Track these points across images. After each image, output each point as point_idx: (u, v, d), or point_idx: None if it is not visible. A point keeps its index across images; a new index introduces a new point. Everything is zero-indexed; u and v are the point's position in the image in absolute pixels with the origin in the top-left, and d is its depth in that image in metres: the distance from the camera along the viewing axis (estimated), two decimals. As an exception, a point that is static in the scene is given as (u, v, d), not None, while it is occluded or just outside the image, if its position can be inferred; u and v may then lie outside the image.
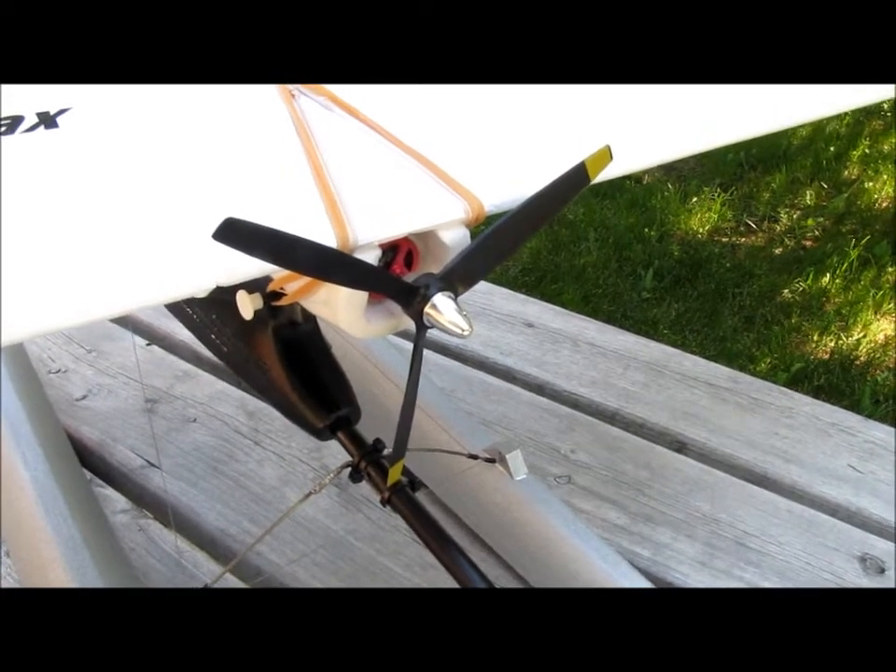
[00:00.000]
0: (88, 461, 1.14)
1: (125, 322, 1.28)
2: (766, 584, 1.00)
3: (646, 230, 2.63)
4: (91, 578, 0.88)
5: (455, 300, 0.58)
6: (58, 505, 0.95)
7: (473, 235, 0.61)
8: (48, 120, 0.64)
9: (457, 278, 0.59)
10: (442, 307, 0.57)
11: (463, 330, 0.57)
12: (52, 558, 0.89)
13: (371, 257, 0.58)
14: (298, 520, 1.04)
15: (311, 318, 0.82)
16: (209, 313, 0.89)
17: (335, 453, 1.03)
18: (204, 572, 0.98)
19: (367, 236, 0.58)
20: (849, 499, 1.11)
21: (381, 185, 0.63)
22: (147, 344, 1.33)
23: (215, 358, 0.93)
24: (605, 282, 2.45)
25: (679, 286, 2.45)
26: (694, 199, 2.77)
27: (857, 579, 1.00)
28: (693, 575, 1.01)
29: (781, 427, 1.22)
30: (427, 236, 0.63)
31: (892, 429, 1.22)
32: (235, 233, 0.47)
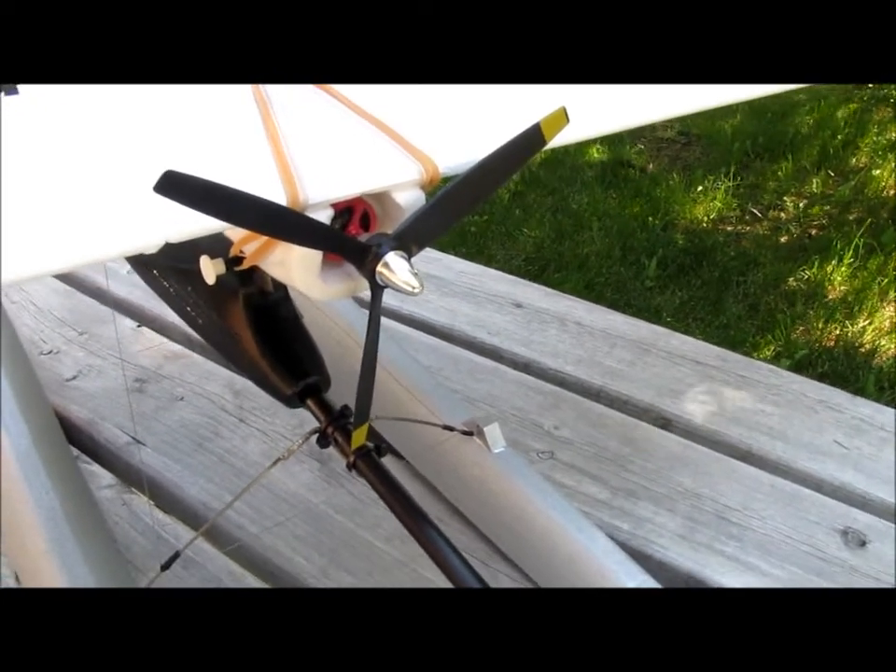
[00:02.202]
0: (76, 439, 1.15)
1: (112, 303, 1.30)
2: (747, 558, 1.00)
3: (650, 218, 2.63)
4: (69, 547, 0.90)
5: (408, 259, 0.58)
6: (40, 478, 0.96)
7: (429, 197, 0.62)
8: (8, 87, 0.65)
9: (411, 238, 0.59)
10: (395, 266, 0.57)
11: (414, 288, 0.57)
12: (32, 526, 0.91)
13: (323, 216, 0.59)
14: (279, 493, 1.05)
15: (282, 288, 0.83)
16: (184, 286, 0.90)
17: (319, 428, 1.04)
18: (184, 545, 0.99)
19: (318, 195, 0.58)
20: (833, 474, 1.10)
21: (335, 146, 0.64)
22: (138, 326, 1.34)
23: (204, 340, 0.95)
24: (608, 271, 2.45)
25: (682, 274, 2.44)
26: (699, 188, 2.76)
27: (837, 552, 1.00)
28: (672, 548, 1.01)
29: (768, 403, 1.21)
30: (384, 198, 0.63)
31: (880, 406, 1.21)
32: (175, 186, 0.48)
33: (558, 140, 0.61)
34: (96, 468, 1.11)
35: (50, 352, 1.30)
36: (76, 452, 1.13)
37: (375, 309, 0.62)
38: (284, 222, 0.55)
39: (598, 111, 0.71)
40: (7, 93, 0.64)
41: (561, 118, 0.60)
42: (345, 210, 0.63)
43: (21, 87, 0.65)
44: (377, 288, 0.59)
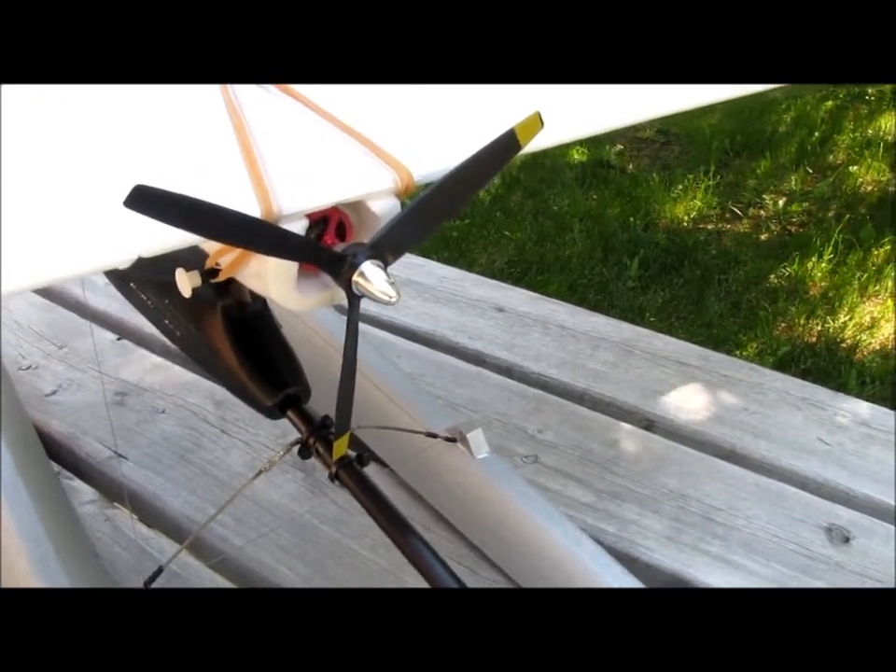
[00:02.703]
0: (57, 454, 1.14)
1: (90, 316, 1.29)
2: (733, 557, 1.00)
3: (631, 219, 2.63)
4: (53, 567, 0.89)
5: (384, 268, 0.58)
6: (20, 496, 0.96)
7: (405, 205, 0.62)
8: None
9: (386, 247, 0.59)
10: (371, 275, 0.57)
11: (390, 298, 0.57)
12: (15, 548, 0.90)
13: (298, 227, 0.58)
14: (262, 504, 1.04)
15: (260, 299, 0.83)
16: (162, 298, 0.89)
17: (302, 438, 1.04)
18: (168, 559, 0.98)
19: (292, 206, 0.58)
20: (817, 471, 1.11)
21: (309, 157, 0.63)
22: (118, 339, 1.33)
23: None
24: (591, 272, 2.45)
25: (664, 273, 2.44)
26: (679, 187, 2.77)
27: (822, 549, 1.00)
28: (658, 549, 1.01)
29: (751, 402, 1.22)
30: (359, 207, 0.63)
31: (862, 402, 1.22)
32: (145, 200, 0.47)
33: (533, 144, 0.61)
34: (77, 483, 1.10)
35: (30, 367, 1.29)
36: (56, 468, 1.12)
37: (353, 318, 0.62)
38: (258, 234, 0.55)
39: (573, 114, 0.71)
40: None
41: (535, 123, 0.60)
42: (320, 220, 0.63)
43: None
44: (354, 298, 0.59)
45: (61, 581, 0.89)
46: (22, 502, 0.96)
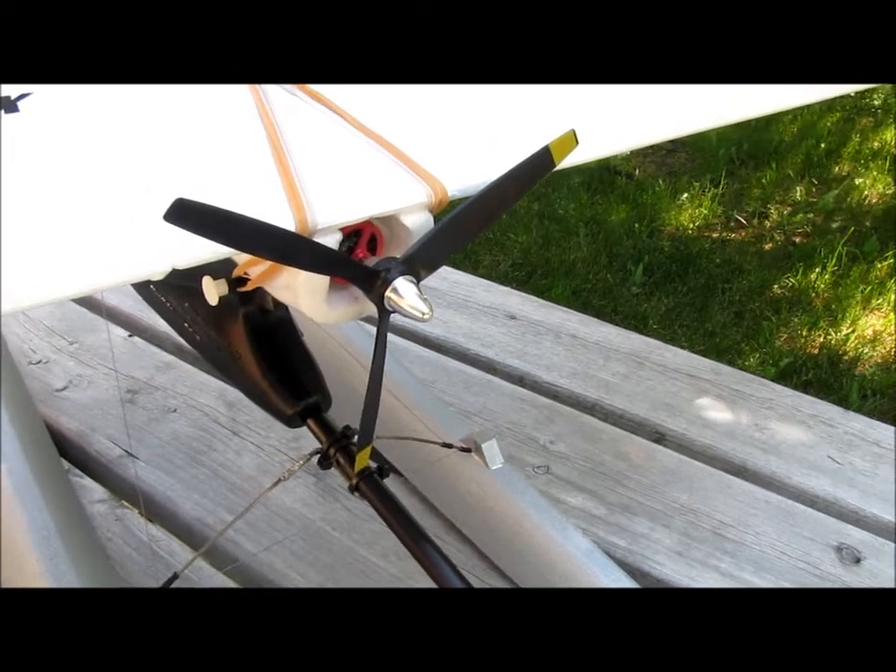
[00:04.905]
0: (67, 452, 1.14)
1: (104, 312, 1.28)
2: (742, 574, 1.00)
3: (636, 225, 2.63)
4: (64, 567, 0.88)
5: (416, 284, 0.58)
6: (33, 495, 0.95)
7: (437, 220, 0.61)
8: (9, 105, 0.64)
9: (419, 262, 0.59)
10: (403, 291, 0.57)
11: (423, 314, 0.57)
12: (26, 547, 0.89)
13: (332, 241, 0.58)
14: (274, 509, 1.04)
15: (282, 306, 0.82)
16: (182, 301, 0.89)
17: (314, 443, 1.03)
18: (180, 561, 0.98)
19: (327, 220, 0.58)
20: (827, 490, 1.11)
21: (343, 169, 0.63)
22: (129, 336, 1.33)
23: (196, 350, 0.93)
24: (595, 277, 2.45)
25: (668, 281, 2.44)
26: (685, 195, 2.77)
27: (832, 568, 1.00)
28: (668, 564, 1.01)
29: (761, 418, 1.22)
30: (391, 221, 0.63)
31: (872, 421, 1.22)
32: (186, 214, 0.47)
33: (567, 161, 0.61)
34: (87, 481, 1.10)
35: (40, 361, 1.29)
36: (66, 465, 1.12)
37: (382, 332, 0.62)
38: (294, 249, 0.54)
39: (606, 132, 0.71)
40: (9, 111, 0.63)
41: (570, 140, 0.60)
42: (352, 233, 0.62)
43: (23, 90, 0.64)
44: (385, 313, 0.59)
45: (71, 581, 0.88)
46: (35, 501, 0.95)
